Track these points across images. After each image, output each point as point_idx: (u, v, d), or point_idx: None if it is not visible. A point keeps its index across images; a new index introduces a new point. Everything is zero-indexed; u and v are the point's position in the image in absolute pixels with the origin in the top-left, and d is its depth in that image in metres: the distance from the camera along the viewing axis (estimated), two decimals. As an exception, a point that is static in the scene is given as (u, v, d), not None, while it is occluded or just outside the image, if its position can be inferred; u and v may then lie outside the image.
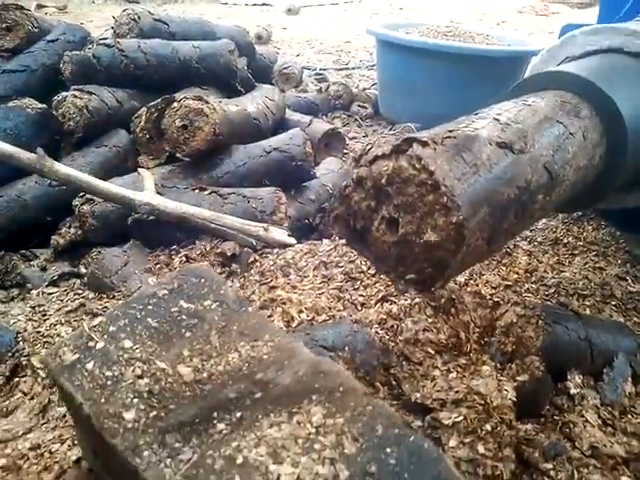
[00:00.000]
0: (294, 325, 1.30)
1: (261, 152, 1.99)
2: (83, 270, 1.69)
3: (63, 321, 1.46)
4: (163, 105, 1.95)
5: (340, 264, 1.57)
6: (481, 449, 0.91)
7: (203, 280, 0.88)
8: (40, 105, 2.05)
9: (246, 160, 1.97)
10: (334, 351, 1.05)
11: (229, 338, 0.79)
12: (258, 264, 1.61)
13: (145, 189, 1.72)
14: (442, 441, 0.93)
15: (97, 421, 0.68)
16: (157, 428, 0.67)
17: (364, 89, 3.64)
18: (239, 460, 0.63)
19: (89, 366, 0.74)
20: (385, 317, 1.30)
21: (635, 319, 1.42)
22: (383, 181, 0.85)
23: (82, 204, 1.78)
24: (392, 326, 1.27)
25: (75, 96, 2.01)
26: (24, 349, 1.31)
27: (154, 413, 0.69)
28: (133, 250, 1.67)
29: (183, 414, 0.68)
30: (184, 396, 0.71)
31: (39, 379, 1.24)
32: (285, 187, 1.93)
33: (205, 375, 0.74)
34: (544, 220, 1.93)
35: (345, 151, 2.63)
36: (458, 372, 1.07)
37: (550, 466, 0.95)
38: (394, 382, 1.11)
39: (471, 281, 1.51)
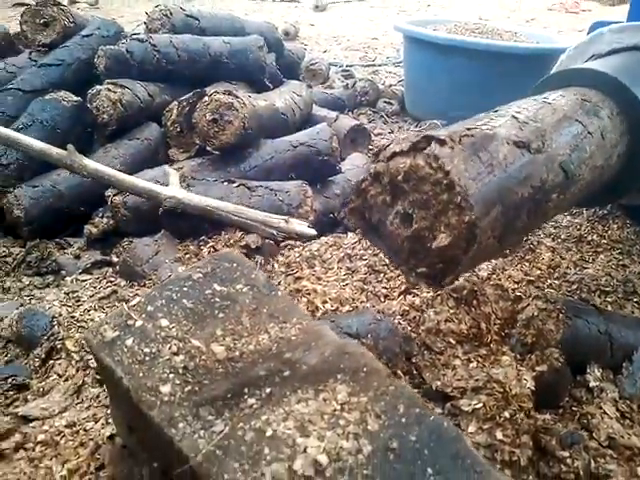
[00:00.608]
0: (318, 315, 1.33)
1: (288, 146, 2.03)
2: (115, 259, 1.74)
3: (96, 307, 1.51)
4: (194, 99, 1.99)
5: (364, 257, 1.60)
6: (499, 435, 0.93)
7: (235, 265, 0.92)
8: (75, 98, 2.12)
9: (273, 154, 2.00)
10: (358, 338, 1.08)
11: (259, 319, 0.83)
12: (284, 256, 1.64)
13: (170, 184, 1.77)
14: (461, 427, 0.96)
15: (135, 394, 0.72)
16: (192, 402, 0.70)
17: (390, 85, 3.64)
18: (268, 433, 0.66)
19: (128, 343, 0.78)
20: (407, 309, 1.32)
21: (656, 316, 1.42)
22: (400, 177, 0.85)
23: (114, 195, 1.83)
24: (414, 317, 1.29)
25: (109, 90, 2.05)
26: (59, 333, 1.36)
27: (189, 388, 0.72)
28: (163, 240, 1.71)
29: (216, 389, 0.72)
30: (217, 372, 0.74)
31: (73, 362, 1.29)
32: (311, 181, 1.95)
33: (237, 353, 0.77)
34: (568, 217, 1.93)
35: (370, 147, 2.65)
36: (478, 362, 1.10)
37: (567, 454, 0.96)
38: (415, 371, 1.14)
39: (494, 276, 1.51)
